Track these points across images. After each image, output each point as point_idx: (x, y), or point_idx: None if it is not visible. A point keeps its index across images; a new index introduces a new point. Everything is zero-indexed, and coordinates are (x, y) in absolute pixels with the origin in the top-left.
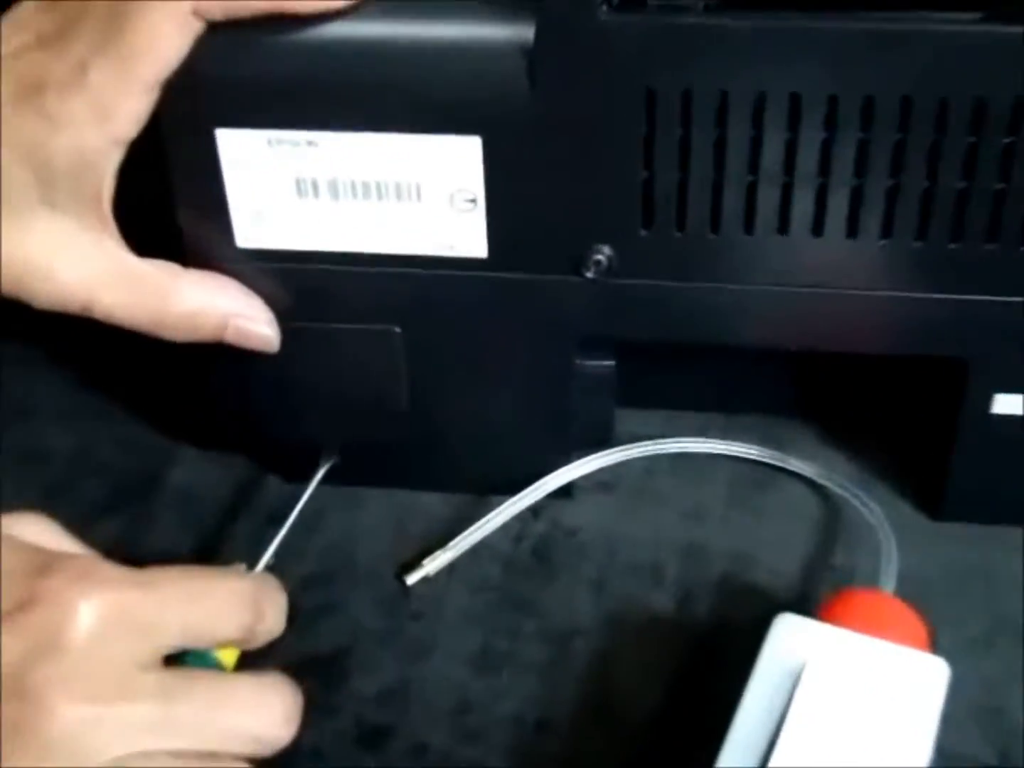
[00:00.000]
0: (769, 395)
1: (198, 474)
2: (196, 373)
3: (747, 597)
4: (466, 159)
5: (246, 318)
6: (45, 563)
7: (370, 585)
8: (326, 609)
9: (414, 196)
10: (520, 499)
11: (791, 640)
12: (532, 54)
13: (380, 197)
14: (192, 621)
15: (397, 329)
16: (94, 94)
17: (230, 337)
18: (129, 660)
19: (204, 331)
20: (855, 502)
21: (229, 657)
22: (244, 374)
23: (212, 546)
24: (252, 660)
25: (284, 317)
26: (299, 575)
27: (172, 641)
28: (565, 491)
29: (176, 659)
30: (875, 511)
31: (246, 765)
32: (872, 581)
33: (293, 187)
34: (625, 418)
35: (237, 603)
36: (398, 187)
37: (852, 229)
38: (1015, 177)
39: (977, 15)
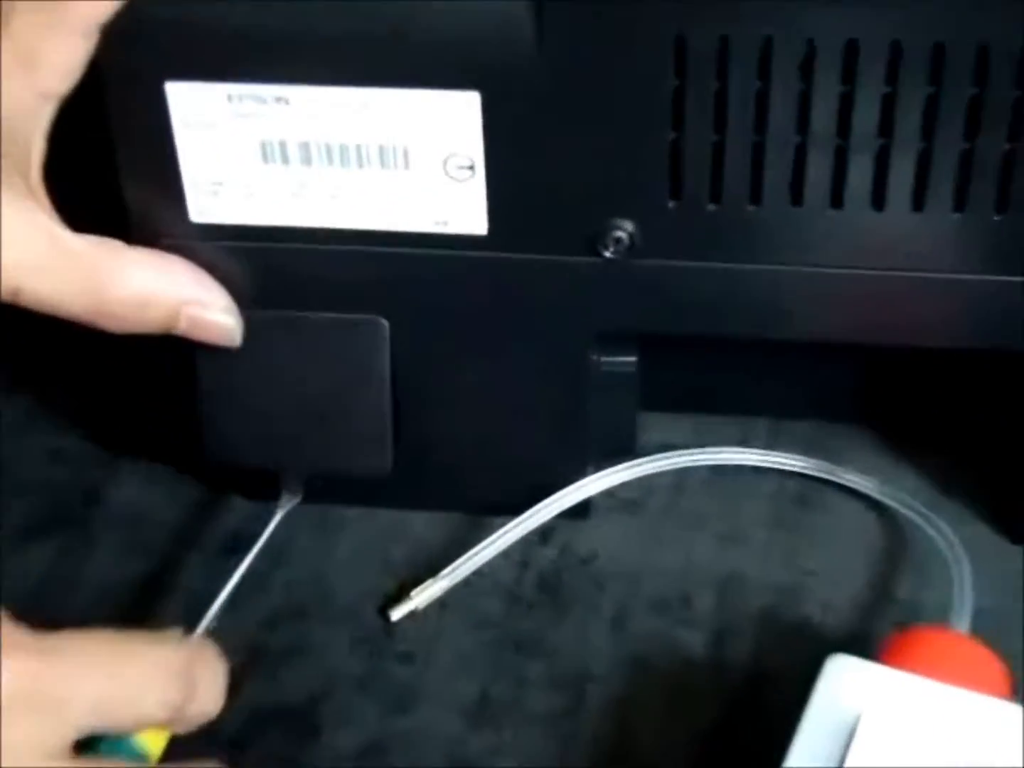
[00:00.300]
0: (820, 398)
1: (144, 491)
2: (141, 374)
3: (794, 636)
4: (462, 118)
5: (202, 305)
6: None
7: (348, 622)
8: (296, 651)
9: (401, 162)
10: (526, 520)
11: (846, 686)
12: None
13: (361, 164)
14: (108, 697)
15: (382, 320)
16: (17, 39)
17: (183, 328)
18: (31, 747)
19: (152, 321)
20: (921, 523)
21: (155, 743)
22: (197, 375)
23: (160, 577)
24: (184, 746)
25: (246, 306)
26: (264, 611)
27: (84, 722)
28: (579, 510)
29: (90, 746)
30: (945, 533)
31: None
32: (942, 617)
33: (258, 151)
34: (650, 424)
35: (163, 676)
36: (382, 152)
37: (919, 201)
38: None
39: None
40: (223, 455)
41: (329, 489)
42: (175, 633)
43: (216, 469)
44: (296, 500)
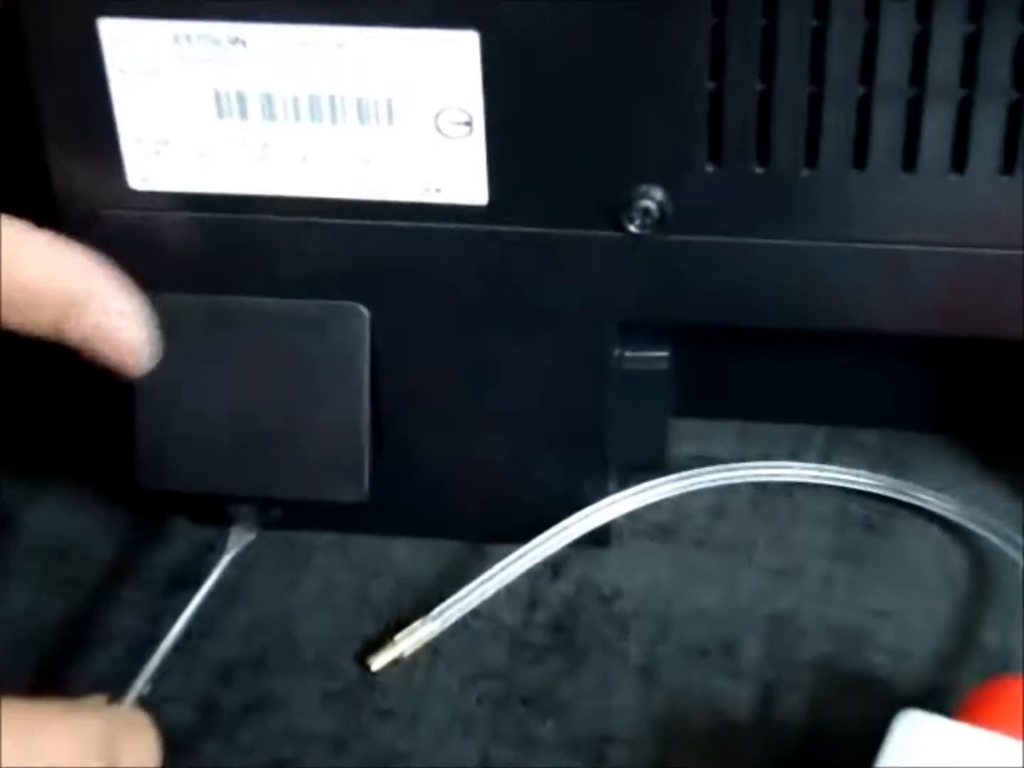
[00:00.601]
0: (888, 402)
1: (68, 517)
2: (63, 381)
3: (858, 689)
4: (458, 63)
5: (102, 311)
6: None
7: (319, 673)
8: (257, 708)
9: (383, 117)
10: (534, 549)
11: (920, 748)
12: None
13: (335, 119)
14: None
15: (361, 308)
16: None
17: (72, 333)
18: None
19: (39, 322)
20: (1008, 550)
21: None
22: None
23: (87, 619)
24: None
25: (196, 287)
26: (218, 660)
27: None
28: (599, 537)
29: None
30: None
31: None
32: None
33: (211, 104)
34: (685, 433)
35: (80, 752)
36: (361, 104)
37: (1008, 162)
38: None
39: None
40: (162, 480)
41: (294, 513)
42: (96, 700)
43: (153, 495)
44: (251, 536)
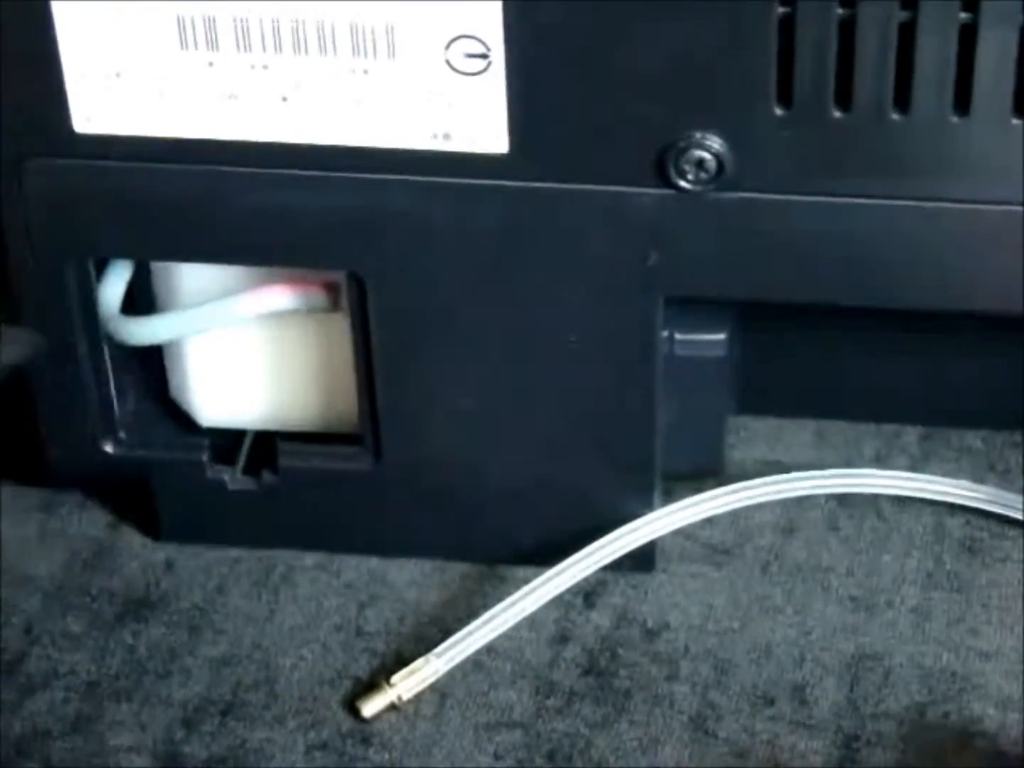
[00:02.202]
0: (992, 398)
1: None
2: None
3: (956, 745)
4: None
5: None
6: None
7: (302, 719)
8: (227, 761)
9: (383, 49)
10: (563, 572)
11: None
12: None
13: (324, 50)
14: None
15: (357, 276)
16: None
17: None
18: None
19: None
20: None
21: None
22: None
23: (17, 660)
24: None
25: (150, 253)
26: (181, 702)
27: None
28: (642, 560)
29: None
30: None
31: None
32: None
33: (173, 30)
34: (748, 434)
35: None
36: (355, 33)
37: None
38: None
39: None
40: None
41: (282, 521)
42: None
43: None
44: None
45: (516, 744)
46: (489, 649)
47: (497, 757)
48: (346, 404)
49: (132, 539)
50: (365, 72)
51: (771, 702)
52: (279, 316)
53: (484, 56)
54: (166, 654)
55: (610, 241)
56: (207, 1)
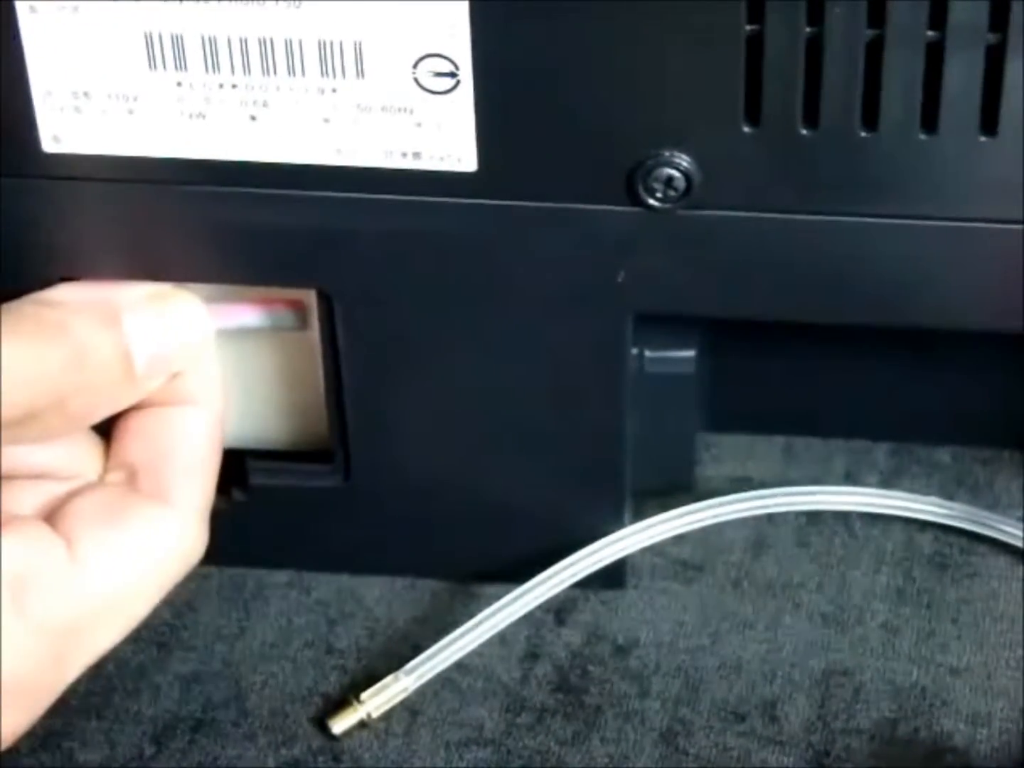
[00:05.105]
0: (963, 414)
1: None
2: None
3: (928, 758)
4: (442, 2)
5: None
6: None
7: (271, 737)
8: None
9: (351, 68)
10: (533, 589)
11: None
12: None
13: (292, 69)
14: None
15: (326, 294)
16: None
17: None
18: None
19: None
20: None
21: None
22: None
23: None
24: None
25: (120, 273)
26: (150, 719)
27: None
28: (613, 576)
29: None
30: None
31: None
32: None
33: (141, 49)
34: (718, 451)
35: None
36: (324, 50)
37: None
38: None
39: None
40: None
41: (247, 539)
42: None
43: None
44: None
45: (487, 761)
46: (459, 666)
47: None
48: (316, 422)
49: None
50: (333, 91)
51: (742, 718)
52: (247, 334)
53: (452, 75)
54: (136, 671)
55: (579, 259)
56: (175, 20)
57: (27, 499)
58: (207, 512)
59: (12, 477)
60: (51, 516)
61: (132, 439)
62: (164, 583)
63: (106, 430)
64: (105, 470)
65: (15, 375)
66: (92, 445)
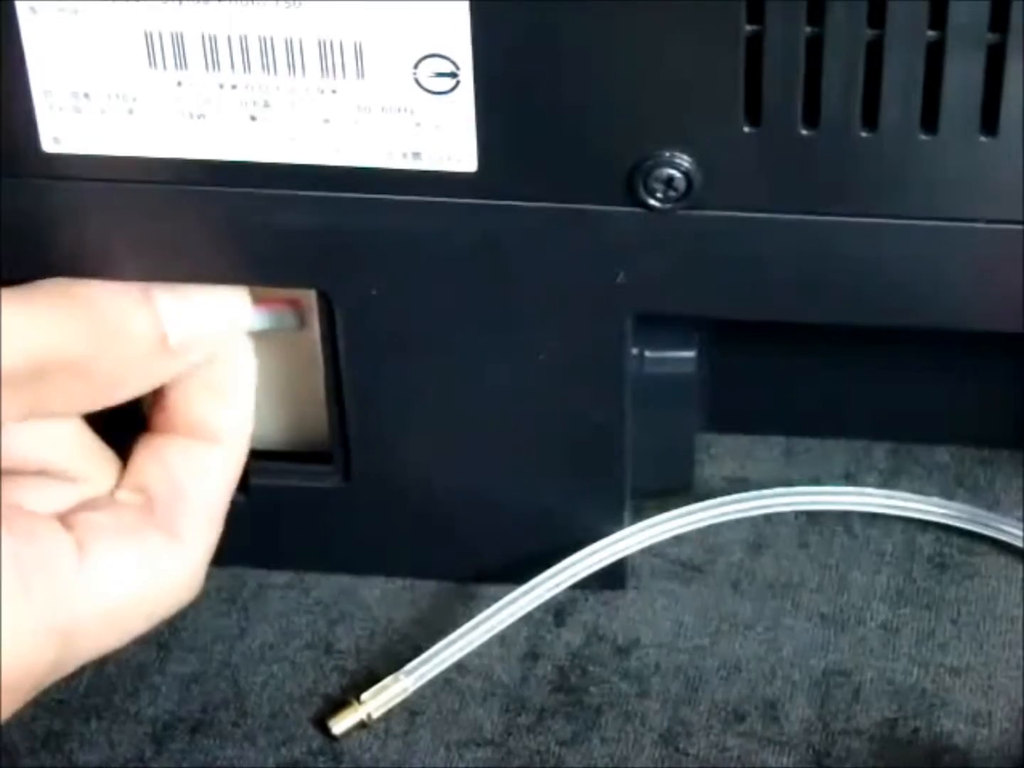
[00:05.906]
0: (964, 414)
1: None
2: None
3: (928, 758)
4: (443, 2)
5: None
6: None
7: (270, 737)
8: None
9: (352, 67)
10: (533, 590)
11: None
12: None
13: (292, 69)
14: None
15: (326, 295)
16: None
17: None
18: None
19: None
20: None
21: None
22: None
23: None
24: None
25: (125, 272)
26: (150, 720)
27: None
28: (612, 577)
29: None
30: None
31: None
32: None
33: (141, 49)
34: (717, 451)
35: None
36: (324, 50)
37: None
38: None
39: None
40: None
41: (245, 539)
42: None
43: None
44: None
45: (487, 761)
46: (459, 667)
47: None
48: (316, 422)
49: None
50: (334, 91)
51: (742, 718)
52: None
53: (453, 75)
54: (136, 671)
55: (579, 259)
56: (175, 19)
57: (38, 497)
58: (211, 553)
59: (17, 471)
60: (64, 518)
61: (152, 464)
62: (158, 611)
63: (124, 448)
64: (118, 486)
65: (16, 327)
66: (104, 455)
